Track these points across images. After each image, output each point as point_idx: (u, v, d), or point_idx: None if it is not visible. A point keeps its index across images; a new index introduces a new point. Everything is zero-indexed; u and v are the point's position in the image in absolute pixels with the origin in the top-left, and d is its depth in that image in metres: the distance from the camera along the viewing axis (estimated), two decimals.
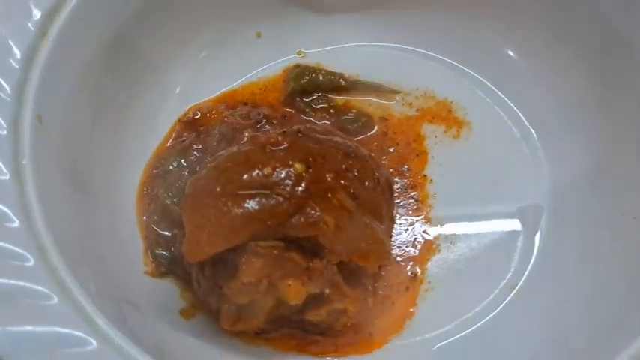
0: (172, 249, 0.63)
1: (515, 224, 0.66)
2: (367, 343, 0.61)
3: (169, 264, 0.63)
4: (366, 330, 0.61)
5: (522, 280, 0.63)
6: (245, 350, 0.59)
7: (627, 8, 0.61)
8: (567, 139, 0.68)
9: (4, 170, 0.50)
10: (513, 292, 0.62)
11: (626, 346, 0.47)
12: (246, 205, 0.52)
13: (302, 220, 0.53)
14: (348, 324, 0.60)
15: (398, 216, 0.67)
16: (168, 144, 0.69)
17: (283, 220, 0.52)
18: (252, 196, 0.53)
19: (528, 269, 0.63)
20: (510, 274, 0.63)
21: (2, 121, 0.52)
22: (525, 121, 0.71)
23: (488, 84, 0.73)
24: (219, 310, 0.57)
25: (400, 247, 0.66)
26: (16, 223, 0.47)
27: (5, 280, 0.45)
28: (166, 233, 0.64)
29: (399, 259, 0.65)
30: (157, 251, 0.63)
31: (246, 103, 0.73)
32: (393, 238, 0.65)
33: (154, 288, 0.61)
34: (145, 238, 0.64)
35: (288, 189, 0.53)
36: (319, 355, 0.60)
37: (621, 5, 0.62)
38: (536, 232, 0.65)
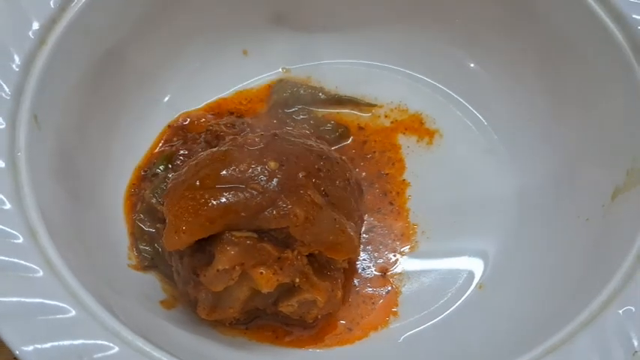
0: (156, 245, 0.67)
1: (482, 226, 0.71)
2: (346, 336, 0.64)
3: (152, 259, 0.66)
4: (345, 325, 0.65)
5: (486, 277, 0.67)
6: (221, 339, 0.62)
7: (580, 22, 0.66)
8: (530, 148, 0.73)
9: (0, 160, 0.54)
10: (477, 287, 0.66)
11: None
12: (222, 197, 0.56)
13: (274, 212, 0.56)
14: (319, 316, 0.63)
15: (376, 218, 0.71)
16: (157, 148, 0.74)
17: (257, 212, 0.56)
18: (228, 190, 0.57)
19: (491, 267, 0.67)
20: (475, 271, 0.68)
21: (0, 117, 0.57)
22: (492, 132, 0.76)
23: (457, 97, 0.78)
24: (197, 299, 0.60)
25: (379, 247, 0.70)
26: (8, 206, 0.52)
27: None
28: (151, 230, 0.68)
29: (379, 259, 0.69)
30: (141, 246, 0.67)
31: (232, 113, 0.78)
32: (371, 237, 0.70)
33: (137, 280, 0.64)
34: (130, 235, 0.68)
35: (262, 184, 0.57)
36: (294, 347, 0.64)
37: (575, 19, 0.67)
38: (501, 233, 0.70)
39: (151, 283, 0.65)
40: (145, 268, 0.66)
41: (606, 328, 0.49)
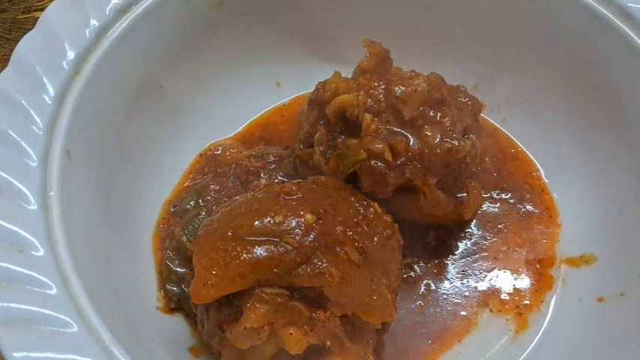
0: (183, 286, 0.65)
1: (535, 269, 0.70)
2: None
3: (179, 301, 0.64)
4: None
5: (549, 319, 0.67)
6: None
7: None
8: (579, 197, 0.72)
9: (32, 201, 0.53)
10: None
11: None
12: (254, 251, 0.54)
13: (308, 270, 0.54)
14: None
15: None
16: (186, 182, 0.72)
17: (290, 268, 0.54)
18: (261, 243, 0.54)
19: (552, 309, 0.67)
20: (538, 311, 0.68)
21: (33, 154, 0.55)
22: (545, 180, 0.75)
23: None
24: (221, 353, 0.58)
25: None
26: (41, 252, 0.50)
27: (29, 307, 0.47)
28: (180, 270, 0.66)
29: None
30: (168, 287, 0.65)
31: (262, 139, 0.76)
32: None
33: (166, 324, 0.63)
34: (158, 274, 0.66)
35: (297, 238, 0.54)
36: None
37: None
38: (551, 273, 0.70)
39: (179, 326, 0.63)
40: (171, 310, 0.64)
41: None
